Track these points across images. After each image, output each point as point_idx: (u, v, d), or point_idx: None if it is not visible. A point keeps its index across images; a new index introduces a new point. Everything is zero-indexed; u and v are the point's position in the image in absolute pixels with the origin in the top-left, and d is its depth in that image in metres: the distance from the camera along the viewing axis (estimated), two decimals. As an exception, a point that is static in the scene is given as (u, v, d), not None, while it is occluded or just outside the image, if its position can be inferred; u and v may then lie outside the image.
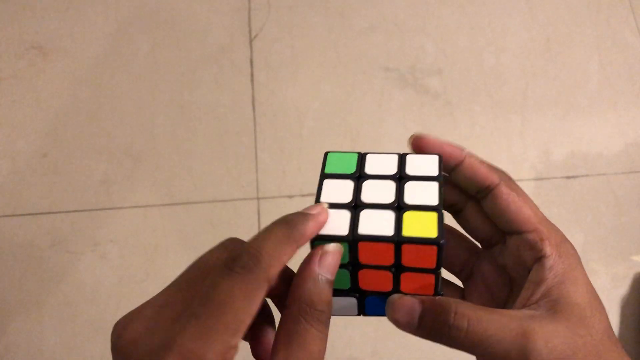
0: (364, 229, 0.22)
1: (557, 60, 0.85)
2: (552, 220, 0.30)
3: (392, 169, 0.25)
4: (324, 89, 0.82)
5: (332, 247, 0.22)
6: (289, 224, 0.22)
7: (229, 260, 0.21)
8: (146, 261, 0.73)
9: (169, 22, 0.85)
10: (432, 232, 0.22)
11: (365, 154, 0.26)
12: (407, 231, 0.22)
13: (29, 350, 0.70)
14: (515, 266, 0.25)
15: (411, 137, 0.25)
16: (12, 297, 0.72)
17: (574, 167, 0.79)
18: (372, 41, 0.85)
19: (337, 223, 0.23)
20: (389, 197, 0.24)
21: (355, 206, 0.23)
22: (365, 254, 0.23)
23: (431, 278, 0.23)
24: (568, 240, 0.25)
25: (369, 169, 0.25)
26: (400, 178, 0.25)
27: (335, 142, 0.79)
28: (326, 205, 0.23)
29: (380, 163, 0.25)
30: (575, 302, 0.22)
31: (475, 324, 0.21)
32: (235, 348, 0.19)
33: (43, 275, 0.73)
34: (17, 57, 0.83)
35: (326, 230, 0.23)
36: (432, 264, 0.22)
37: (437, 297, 0.23)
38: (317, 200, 0.24)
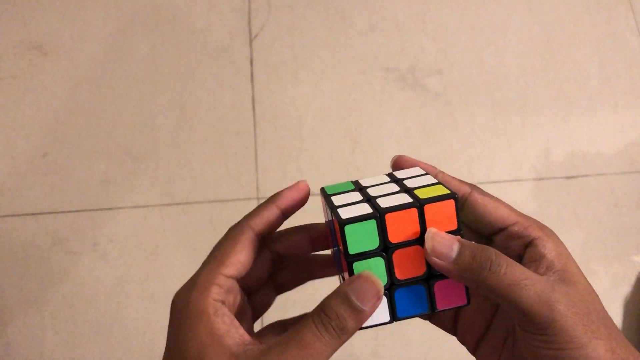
0: (385, 204, 0.24)
1: (557, 60, 0.85)
2: (552, 220, 0.30)
3: (386, 179, 0.27)
4: (324, 89, 0.82)
5: (366, 273, 0.24)
6: (274, 194, 0.27)
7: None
8: (146, 261, 0.73)
9: (169, 22, 0.85)
10: (444, 191, 0.24)
11: (357, 180, 0.28)
12: (423, 196, 0.24)
13: (29, 350, 0.70)
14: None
15: (393, 158, 0.29)
16: (12, 297, 0.72)
17: (574, 167, 0.79)
18: (372, 41, 0.85)
19: (359, 208, 0.24)
20: (395, 188, 0.26)
21: (369, 200, 0.25)
22: (393, 228, 0.24)
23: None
24: (546, 226, 0.26)
25: (366, 184, 0.27)
26: (398, 180, 0.27)
27: (335, 142, 0.79)
28: (305, 181, 0.28)
29: (374, 180, 0.28)
30: (575, 273, 0.24)
31: (512, 268, 0.23)
32: (225, 277, 0.24)
33: (43, 275, 0.73)
34: (17, 57, 0.83)
35: (352, 214, 0.24)
36: (454, 223, 0.24)
37: (473, 242, 0.24)
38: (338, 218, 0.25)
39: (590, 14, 0.87)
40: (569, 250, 0.25)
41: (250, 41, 0.84)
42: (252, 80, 0.82)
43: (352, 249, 0.24)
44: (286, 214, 0.27)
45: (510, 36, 0.86)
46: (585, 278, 0.24)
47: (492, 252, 0.23)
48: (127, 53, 0.84)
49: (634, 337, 0.72)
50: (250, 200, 0.75)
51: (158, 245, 0.74)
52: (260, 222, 0.26)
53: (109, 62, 0.83)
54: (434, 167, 0.27)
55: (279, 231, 0.28)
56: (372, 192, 0.26)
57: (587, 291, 0.24)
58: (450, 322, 0.29)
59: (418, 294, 0.25)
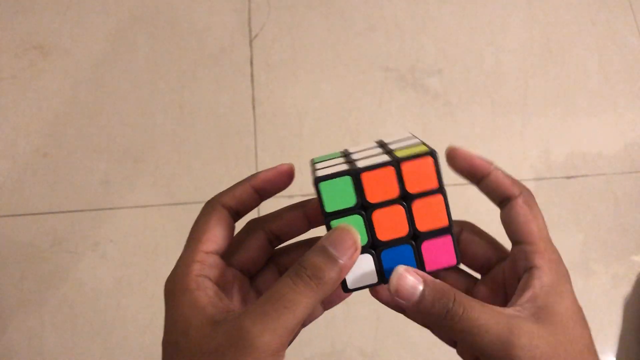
0: (362, 164, 0.24)
1: (557, 60, 0.85)
2: (552, 220, 0.30)
3: (373, 144, 0.27)
4: (324, 89, 0.82)
5: (340, 223, 0.24)
6: (253, 174, 0.27)
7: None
8: (146, 261, 0.73)
9: (169, 22, 0.85)
10: (423, 148, 0.24)
11: (346, 149, 0.28)
12: (401, 155, 0.24)
13: (29, 350, 0.70)
14: (510, 275, 0.27)
15: (447, 148, 0.27)
16: (12, 297, 0.72)
17: (574, 167, 0.79)
18: (372, 41, 0.85)
19: (337, 168, 0.24)
20: (378, 151, 0.26)
21: (349, 162, 0.25)
22: (371, 187, 0.24)
23: (441, 204, 0.24)
24: (562, 262, 0.26)
25: (352, 151, 0.27)
26: (384, 145, 0.27)
27: (335, 142, 0.79)
28: (288, 163, 0.27)
29: (362, 147, 0.27)
30: (559, 312, 0.24)
31: (469, 312, 0.23)
32: (205, 253, 0.25)
33: (43, 275, 0.73)
34: (17, 57, 0.83)
35: (327, 172, 0.24)
36: (434, 181, 0.24)
37: (439, 282, 0.24)
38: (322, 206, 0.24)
39: (590, 14, 0.87)
40: (573, 250, 0.25)
41: (250, 41, 0.84)
42: (252, 80, 0.82)
43: (329, 207, 0.24)
44: (262, 194, 0.27)
45: (510, 36, 0.86)
46: (572, 315, 0.24)
47: (451, 298, 0.23)
48: (127, 53, 0.84)
49: (634, 337, 0.72)
50: (250, 200, 0.75)
51: (158, 245, 0.74)
52: (230, 199, 0.26)
53: (109, 62, 0.83)
54: (489, 162, 0.27)
55: (273, 212, 0.28)
56: (355, 156, 0.26)
57: (564, 330, 0.23)
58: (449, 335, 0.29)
59: (406, 255, 0.25)
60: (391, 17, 0.86)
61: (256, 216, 0.28)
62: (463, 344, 0.23)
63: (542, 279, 0.24)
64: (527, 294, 0.24)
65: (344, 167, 0.24)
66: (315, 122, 0.80)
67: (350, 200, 0.24)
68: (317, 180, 0.24)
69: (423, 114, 0.81)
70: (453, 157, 0.27)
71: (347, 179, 0.23)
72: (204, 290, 0.24)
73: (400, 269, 0.24)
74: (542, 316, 0.23)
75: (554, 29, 0.87)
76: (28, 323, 0.71)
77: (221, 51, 0.84)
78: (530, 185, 0.82)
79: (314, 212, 0.28)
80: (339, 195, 0.24)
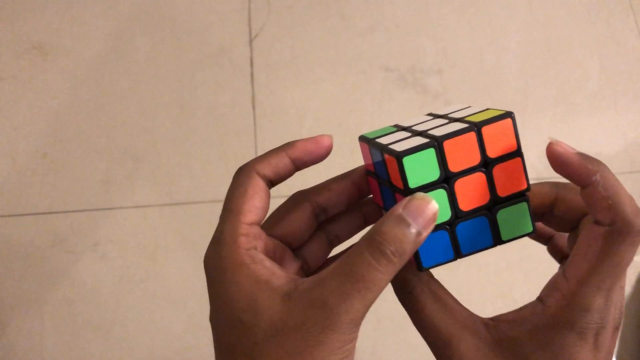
0: (440, 133, 0.23)
1: (557, 60, 0.85)
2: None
3: (429, 117, 0.27)
4: (324, 89, 0.82)
5: (421, 194, 0.22)
6: (287, 142, 0.26)
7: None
8: (146, 261, 0.73)
9: (169, 22, 0.85)
10: (499, 111, 0.23)
11: (396, 124, 0.27)
12: (478, 119, 0.23)
13: (29, 350, 0.70)
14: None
15: (548, 144, 0.24)
16: (12, 297, 0.72)
17: (574, 167, 0.79)
18: (372, 41, 0.85)
19: (414, 142, 0.23)
20: (443, 121, 0.25)
21: (420, 134, 0.24)
22: (453, 156, 0.23)
23: (519, 165, 0.24)
24: None
25: (409, 124, 0.26)
26: (442, 115, 0.26)
27: (335, 142, 0.79)
28: (330, 136, 0.26)
29: (416, 120, 0.27)
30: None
31: (618, 188, 0.21)
32: (248, 225, 0.24)
33: (43, 275, 0.73)
34: (17, 57, 0.83)
35: (408, 146, 0.22)
36: (513, 143, 0.23)
37: (402, 276, 0.24)
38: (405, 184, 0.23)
39: (590, 14, 0.87)
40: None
41: (250, 41, 0.84)
42: (252, 80, 0.82)
43: (413, 183, 0.22)
44: (297, 164, 0.26)
45: (510, 36, 0.86)
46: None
47: (593, 161, 0.22)
48: (127, 53, 0.83)
49: (634, 337, 0.72)
50: (250, 200, 0.75)
51: (158, 245, 0.74)
52: (266, 167, 0.25)
53: (109, 62, 0.83)
54: (593, 171, 0.22)
55: (318, 184, 0.27)
56: (419, 128, 0.25)
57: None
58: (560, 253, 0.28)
59: (481, 227, 0.24)
60: (391, 17, 0.86)
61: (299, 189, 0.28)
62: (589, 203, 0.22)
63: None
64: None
65: (419, 139, 0.23)
66: (315, 122, 0.80)
67: (435, 174, 0.22)
68: (401, 156, 0.22)
69: (423, 114, 0.81)
70: (552, 158, 0.24)
71: (431, 152, 0.22)
72: (261, 263, 0.22)
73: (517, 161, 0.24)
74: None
75: (554, 29, 0.87)
76: (28, 323, 0.71)
77: (221, 51, 0.84)
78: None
79: (361, 181, 0.27)
80: (422, 169, 0.22)
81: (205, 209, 0.75)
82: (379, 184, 0.26)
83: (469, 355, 0.23)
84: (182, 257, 0.73)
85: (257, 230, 0.24)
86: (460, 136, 0.23)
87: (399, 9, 0.87)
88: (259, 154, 0.79)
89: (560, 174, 0.24)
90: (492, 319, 0.24)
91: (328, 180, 0.27)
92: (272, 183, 0.26)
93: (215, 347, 0.23)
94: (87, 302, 0.72)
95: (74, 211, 0.76)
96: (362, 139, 0.26)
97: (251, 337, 0.21)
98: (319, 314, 0.20)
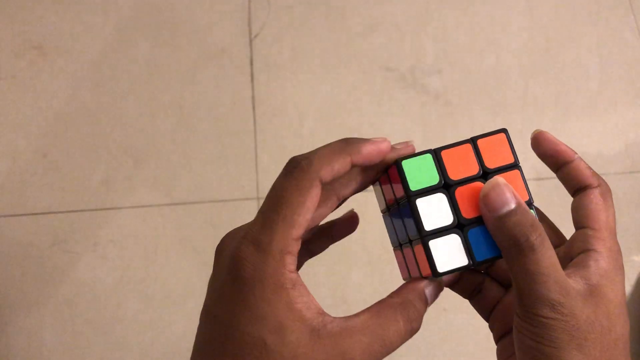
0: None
1: (557, 60, 0.85)
2: (553, 220, 0.30)
3: None
4: (324, 89, 0.82)
5: (438, 280, 0.25)
6: (346, 140, 0.25)
7: (288, 165, 0.24)
8: (146, 261, 0.73)
9: (169, 22, 0.85)
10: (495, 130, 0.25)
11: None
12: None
13: (29, 350, 0.70)
14: (563, 257, 0.26)
15: (534, 132, 0.28)
16: (12, 297, 0.72)
17: (574, 167, 0.79)
18: (372, 41, 0.85)
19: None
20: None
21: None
22: (452, 165, 0.24)
23: (519, 178, 0.25)
24: (621, 256, 0.26)
25: None
26: None
27: (335, 142, 0.79)
28: (390, 140, 0.25)
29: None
30: (608, 297, 0.23)
31: (541, 254, 0.23)
32: (296, 240, 0.22)
33: (43, 275, 0.73)
34: (17, 57, 0.83)
35: (407, 152, 0.25)
36: (510, 156, 0.25)
37: (531, 212, 0.24)
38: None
39: (590, 13, 0.87)
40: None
41: (250, 41, 0.84)
42: (252, 80, 0.82)
43: (413, 185, 0.24)
44: (354, 168, 0.24)
45: (510, 36, 0.86)
46: (618, 306, 0.24)
47: (535, 232, 0.23)
48: (127, 53, 0.83)
49: (634, 336, 0.72)
50: (250, 200, 0.75)
51: (158, 245, 0.74)
52: (329, 174, 0.23)
53: (109, 62, 0.83)
54: (574, 152, 0.28)
55: (320, 159, 0.25)
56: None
57: (607, 316, 0.23)
58: (488, 308, 0.29)
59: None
60: (391, 17, 0.86)
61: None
62: (518, 288, 0.22)
63: (599, 262, 0.24)
64: (581, 272, 0.24)
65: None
66: (315, 122, 0.80)
67: (434, 179, 0.24)
68: (400, 160, 0.24)
69: (423, 114, 0.81)
70: (539, 140, 0.28)
71: (429, 157, 0.24)
72: (299, 289, 0.22)
73: (501, 179, 0.24)
74: (591, 294, 0.23)
75: (554, 29, 0.87)
76: (28, 323, 0.71)
77: (221, 51, 0.84)
78: (530, 185, 0.82)
79: (361, 159, 0.25)
80: (422, 173, 0.24)
81: (205, 209, 0.75)
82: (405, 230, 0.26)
83: (578, 311, 0.23)
84: (182, 257, 0.73)
85: (300, 244, 0.23)
86: (457, 147, 0.25)
87: (399, 9, 0.87)
88: (259, 154, 0.79)
89: (545, 154, 0.28)
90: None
91: (331, 158, 0.25)
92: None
93: (202, 346, 0.23)
94: (87, 302, 0.72)
95: (74, 211, 0.76)
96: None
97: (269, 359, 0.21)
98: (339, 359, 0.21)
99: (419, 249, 0.24)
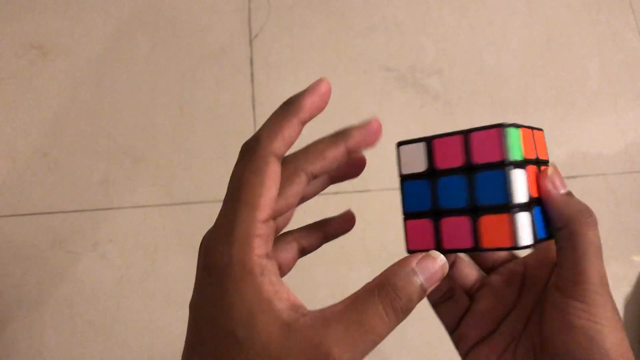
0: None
1: (557, 60, 0.85)
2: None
3: None
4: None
5: (436, 253, 0.22)
6: (286, 102, 0.24)
7: (240, 151, 0.23)
8: (146, 261, 0.73)
9: (169, 22, 0.85)
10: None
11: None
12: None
13: (29, 350, 0.70)
14: (535, 264, 0.27)
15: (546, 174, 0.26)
16: (12, 297, 0.72)
17: (574, 167, 0.79)
18: (372, 41, 0.85)
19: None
20: None
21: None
22: (440, 153, 0.25)
23: (501, 179, 0.24)
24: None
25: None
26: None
27: (335, 142, 0.79)
28: (326, 79, 0.24)
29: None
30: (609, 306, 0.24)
31: (592, 235, 0.24)
32: (264, 223, 0.21)
33: (43, 275, 0.73)
34: (17, 57, 0.83)
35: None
36: (501, 153, 0.23)
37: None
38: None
39: (590, 14, 0.87)
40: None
41: (250, 41, 0.84)
42: (252, 80, 0.82)
43: (404, 169, 0.26)
44: (304, 125, 0.24)
45: (510, 36, 0.86)
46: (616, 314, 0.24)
47: (592, 216, 0.24)
48: (127, 53, 0.83)
49: (634, 337, 0.72)
50: (250, 200, 0.75)
51: (158, 245, 0.74)
52: (283, 146, 0.22)
53: (109, 62, 0.83)
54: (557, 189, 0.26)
55: (309, 149, 0.25)
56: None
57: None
58: (455, 319, 0.29)
59: (464, 226, 0.24)
60: (391, 17, 0.86)
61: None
62: (575, 264, 0.23)
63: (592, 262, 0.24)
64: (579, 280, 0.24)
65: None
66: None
67: (519, 154, 0.24)
68: (398, 144, 0.27)
69: (423, 114, 0.81)
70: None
71: (517, 131, 0.24)
72: (268, 277, 0.21)
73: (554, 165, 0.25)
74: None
75: (554, 29, 0.87)
76: (28, 323, 0.71)
77: (221, 51, 0.84)
78: (530, 185, 0.82)
79: (356, 147, 0.25)
80: (413, 160, 0.25)
81: (205, 209, 0.75)
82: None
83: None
84: (182, 257, 0.73)
85: (271, 227, 0.22)
86: (450, 137, 0.25)
87: (399, 9, 0.87)
88: (259, 154, 0.79)
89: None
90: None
91: (319, 144, 0.25)
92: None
93: (189, 339, 0.22)
94: (87, 302, 0.72)
95: (74, 211, 0.76)
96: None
97: (241, 354, 0.20)
98: (314, 354, 0.19)
99: (492, 219, 0.23)
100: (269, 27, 0.85)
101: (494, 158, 0.24)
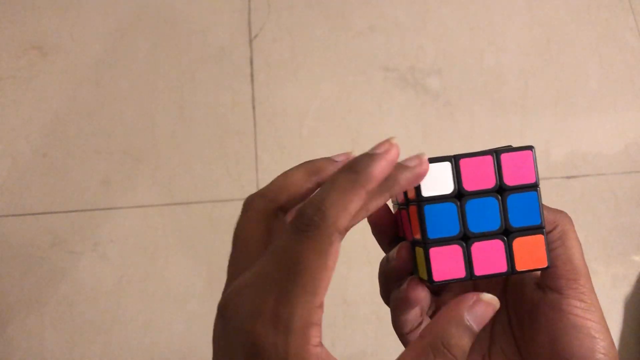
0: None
1: (557, 60, 0.85)
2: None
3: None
4: (324, 89, 0.82)
5: (488, 297, 0.21)
6: (352, 168, 0.20)
7: (295, 219, 0.20)
8: (146, 261, 0.73)
9: (169, 22, 0.85)
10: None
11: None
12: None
13: (29, 350, 0.70)
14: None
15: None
16: (12, 297, 0.72)
17: (574, 167, 0.79)
18: (372, 41, 0.85)
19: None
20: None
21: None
22: (467, 173, 0.24)
23: (534, 200, 0.24)
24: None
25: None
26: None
27: (335, 142, 0.79)
28: (395, 140, 0.21)
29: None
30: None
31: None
32: (319, 307, 0.19)
33: (43, 275, 0.73)
34: (17, 57, 0.83)
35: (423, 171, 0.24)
36: (532, 176, 0.24)
37: None
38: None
39: (590, 14, 0.87)
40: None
41: (250, 41, 0.84)
42: (252, 80, 0.82)
43: (426, 192, 0.23)
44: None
45: (510, 36, 0.86)
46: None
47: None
48: (127, 53, 0.83)
49: (634, 337, 0.72)
50: (250, 200, 0.75)
51: (158, 245, 0.74)
52: (348, 222, 0.20)
53: (109, 62, 0.83)
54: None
55: (275, 184, 0.24)
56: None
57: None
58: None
59: (497, 250, 0.24)
60: (391, 17, 0.86)
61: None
62: (569, 262, 0.23)
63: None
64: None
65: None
66: (315, 122, 0.80)
67: (448, 188, 0.24)
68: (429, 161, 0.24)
69: (423, 114, 0.81)
70: None
71: (447, 164, 0.24)
72: None
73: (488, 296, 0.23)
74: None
75: (554, 29, 0.87)
76: (28, 323, 0.71)
77: (221, 51, 0.84)
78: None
79: (379, 182, 0.22)
80: (438, 180, 0.24)
81: (205, 209, 0.75)
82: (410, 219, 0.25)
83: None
84: (182, 257, 0.73)
85: (323, 308, 0.20)
86: (478, 157, 0.24)
87: (399, 9, 0.87)
88: (259, 154, 0.79)
89: None
90: None
91: (288, 177, 0.24)
92: None
93: None
94: (87, 302, 0.72)
95: (74, 211, 0.76)
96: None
97: None
98: None
99: (526, 241, 0.24)
100: (269, 27, 0.85)
101: (527, 180, 0.24)
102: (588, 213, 0.77)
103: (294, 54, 0.84)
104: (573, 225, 0.24)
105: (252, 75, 0.83)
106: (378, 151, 0.21)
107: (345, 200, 0.20)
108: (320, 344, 0.20)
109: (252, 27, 0.85)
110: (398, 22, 0.86)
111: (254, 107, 0.81)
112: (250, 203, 0.24)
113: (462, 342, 0.20)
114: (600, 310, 0.23)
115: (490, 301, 0.21)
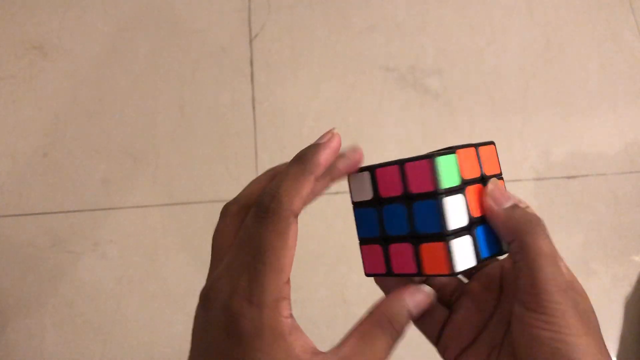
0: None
1: (557, 60, 0.85)
2: (553, 220, 0.30)
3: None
4: (324, 89, 0.82)
5: (427, 289, 0.25)
6: (301, 158, 0.24)
7: (255, 208, 0.23)
8: (146, 261, 0.73)
9: (169, 22, 0.85)
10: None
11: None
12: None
13: (29, 350, 0.70)
14: (510, 269, 0.27)
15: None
16: (12, 297, 0.72)
17: (574, 167, 0.79)
18: (372, 41, 0.85)
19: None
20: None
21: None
22: (383, 182, 0.26)
23: (433, 208, 0.25)
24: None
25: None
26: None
27: (335, 142, 0.79)
28: (336, 130, 0.25)
29: None
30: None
31: (547, 247, 0.24)
32: (287, 283, 0.22)
33: (43, 275, 0.73)
34: (17, 57, 0.83)
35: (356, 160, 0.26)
36: (497, 167, 0.26)
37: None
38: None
39: (590, 14, 0.87)
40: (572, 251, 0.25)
41: (250, 41, 0.84)
42: (252, 80, 0.82)
43: (444, 184, 0.24)
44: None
45: (510, 36, 0.86)
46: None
47: (540, 224, 0.24)
48: (127, 53, 0.84)
49: (634, 337, 0.72)
50: (250, 200, 0.75)
51: (158, 245, 0.74)
52: (301, 204, 0.23)
53: (109, 62, 0.83)
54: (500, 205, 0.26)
55: (245, 191, 0.26)
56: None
57: (584, 298, 0.24)
58: (436, 331, 0.29)
59: (408, 253, 0.25)
60: (391, 17, 0.86)
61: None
62: (530, 276, 0.23)
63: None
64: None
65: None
66: (315, 122, 0.80)
67: (455, 180, 0.24)
68: (434, 155, 0.25)
69: (423, 114, 0.81)
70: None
71: (453, 158, 0.25)
72: (296, 335, 0.22)
73: (496, 180, 0.26)
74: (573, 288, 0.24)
75: (554, 29, 0.87)
76: (28, 323, 0.71)
77: (221, 51, 0.84)
78: (530, 185, 0.82)
79: (325, 168, 0.25)
80: (448, 174, 0.24)
81: (205, 209, 0.75)
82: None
83: (573, 303, 0.23)
84: (182, 257, 0.73)
85: (290, 283, 0.23)
86: (387, 167, 0.25)
87: (399, 9, 0.87)
88: (259, 154, 0.79)
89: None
90: None
91: (254, 185, 0.26)
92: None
93: None
94: (87, 302, 0.72)
95: (74, 211, 0.76)
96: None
97: None
98: None
99: (430, 247, 0.24)
100: (269, 27, 0.85)
101: (427, 188, 0.24)
102: (588, 213, 0.77)
103: (294, 54, 0.84)
104: (544, 232, 0.24)
105: (252, 75, 0.83)
106: (322, 141, 0.25)
107: (297, 186, 0.23)
108: (291, 316, 0.22)
109: (252, 27, 0.85)
110: (398, 22, 0.86)
111: (254, 107, 0.81)
112: (226, 210, 0.26)
113: (402, 319, 0.24)
114: (571, 318, 0.22)
115: (429, 292, 0.25)
